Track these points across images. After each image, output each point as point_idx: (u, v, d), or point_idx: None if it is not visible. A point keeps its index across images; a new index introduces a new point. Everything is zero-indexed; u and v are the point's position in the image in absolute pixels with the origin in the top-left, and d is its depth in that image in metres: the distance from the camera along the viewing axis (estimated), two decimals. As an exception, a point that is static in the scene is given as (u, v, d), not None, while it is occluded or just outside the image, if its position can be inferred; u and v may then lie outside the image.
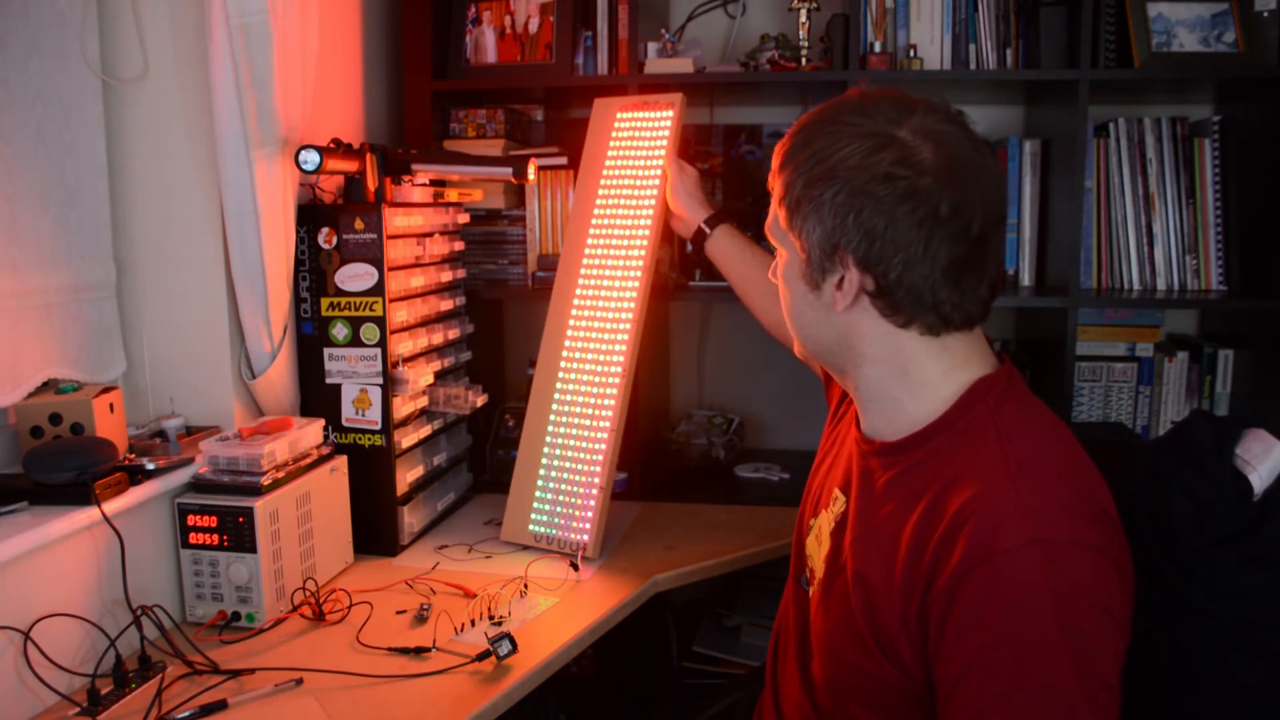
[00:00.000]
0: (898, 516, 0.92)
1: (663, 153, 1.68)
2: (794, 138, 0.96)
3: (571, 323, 1.68)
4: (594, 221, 1.71)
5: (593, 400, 1.64)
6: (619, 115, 1.75)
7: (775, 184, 0.97)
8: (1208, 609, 0.92)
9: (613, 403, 1.62)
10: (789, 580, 1.14)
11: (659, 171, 1.67)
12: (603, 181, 1.73)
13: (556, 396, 1.67)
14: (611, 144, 1.74)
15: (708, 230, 1.62)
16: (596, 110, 1.78)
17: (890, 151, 0.88)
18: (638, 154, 1.71)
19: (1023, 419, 0.92)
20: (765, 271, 1.54)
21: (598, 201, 1.72)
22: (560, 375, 1.67)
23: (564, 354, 1.68)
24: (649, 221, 1.66)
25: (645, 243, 1.66)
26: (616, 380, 1.63)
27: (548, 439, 1.66)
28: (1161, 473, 0.98)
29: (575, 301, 1.69)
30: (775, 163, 0.97)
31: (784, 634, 1.14)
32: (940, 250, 0.89)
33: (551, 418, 1.67)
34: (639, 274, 1.65)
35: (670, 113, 1.70)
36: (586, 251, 1.70)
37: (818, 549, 1.05)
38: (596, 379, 1.64)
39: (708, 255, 1.64)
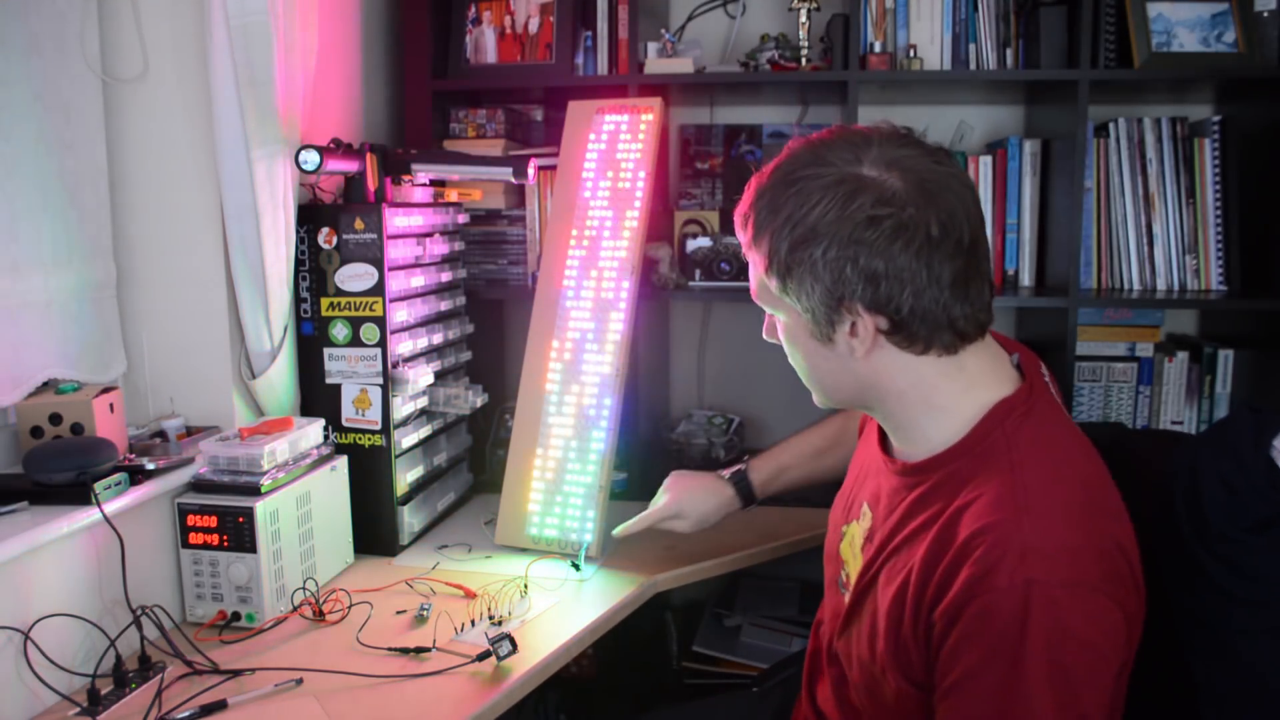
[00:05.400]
0: (915, 536, 0.94)
1: (641, 152, 1.68)
2: (757, 206, 0.94)
3: (558, 324, 1.68)
4: (576, 222, 1.71)
5: (586, 401, 1.64)
6: (596, 118, 1.75)
7: (753, 255, 0.96)
8: (1240, 593, 0.94)
9: (609, 402, 1.62)
10: (826, 584, 1.15)
11: (644, 171, 1.67)
12: (584, 181, 1.73)
13: (548, 399, 1.67)
14: (590, 145, 1.74)
15: (744, 491, 1.50)
16: (572, 112, 1.78)
17: (863, 194, 0.88)
18: (619, 155, 1.71)
19: (1038, 447, 0.93)
20: (819, 441, 1.47)
21: (579, 202, 1.72)
22: (549, 378, 1.67)
23: (552, 355, 1.67)
24: (634, 222, 1.67)
25: (633, 242, 1.66)
26: (610, 381, 1.62)
27: (540, 441, 1.66)
28: (1201, 463, 1.00)
29: (561, 303, 1.69)
30: (745, 236, 0.96)
31: (820, 637, 1.17)
32: (943, 271, 0.89)
33: (543, 420, 1.66)
34: (629, 273, 1.65)
35: (650, 115, 1.71)
36: (570, 253, 1.70)
37: (853, 558, 1.07)
38: (589, 380, 1.64)
39: (768, 496, 1.52)
